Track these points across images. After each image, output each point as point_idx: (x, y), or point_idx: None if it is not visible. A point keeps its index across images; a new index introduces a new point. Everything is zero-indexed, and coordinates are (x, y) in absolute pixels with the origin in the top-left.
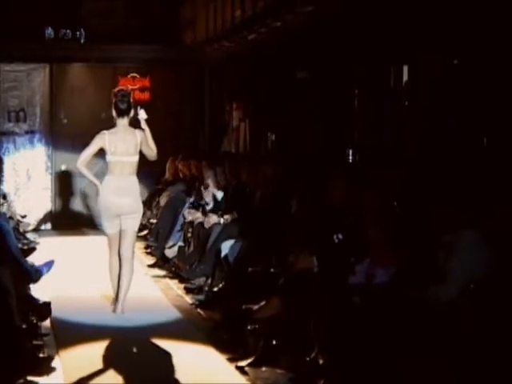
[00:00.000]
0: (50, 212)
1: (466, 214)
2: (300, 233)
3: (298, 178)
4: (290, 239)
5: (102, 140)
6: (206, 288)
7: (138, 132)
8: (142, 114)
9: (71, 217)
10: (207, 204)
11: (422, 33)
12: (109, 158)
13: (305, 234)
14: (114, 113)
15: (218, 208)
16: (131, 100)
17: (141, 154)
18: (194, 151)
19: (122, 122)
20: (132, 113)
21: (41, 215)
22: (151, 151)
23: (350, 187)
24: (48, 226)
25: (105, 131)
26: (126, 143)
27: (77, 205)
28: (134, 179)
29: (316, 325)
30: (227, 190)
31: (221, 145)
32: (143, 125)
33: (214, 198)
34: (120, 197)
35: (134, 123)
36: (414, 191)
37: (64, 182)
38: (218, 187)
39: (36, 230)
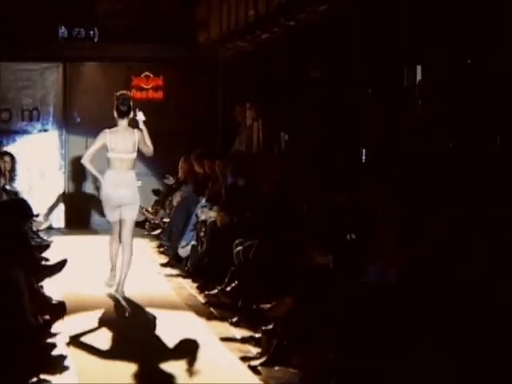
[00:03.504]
0: (63, 211)
1: (462, 212)
2: (312, 232)
3: (310, 178)
4: (303, 238)
5: (104, 138)
6: (219, 287)
7: (136, 132)
8: (140, 116)
9: (84, 215)
10: None
11: (435, 32)
12: (109, 154)
13: (318, 233)
14: (115, 114)
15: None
16: (131, 103)
17: None
18: (208, 150)
19: (122, 123)
20: (131, 114)
21: (54, 214)
22: (148, 148)
23: (359, 187)
24: (61, 224)
25: (106, 130)
26: (125, 142)
27: (90, 203)
28: (133, 173)
29: (328, 322)
30: (237, 189)
31: (233, 144)
32: (141, 125)
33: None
34: (120, 189)
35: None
36: (428, 191)
37: (77, 181)
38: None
39: (49, 228)
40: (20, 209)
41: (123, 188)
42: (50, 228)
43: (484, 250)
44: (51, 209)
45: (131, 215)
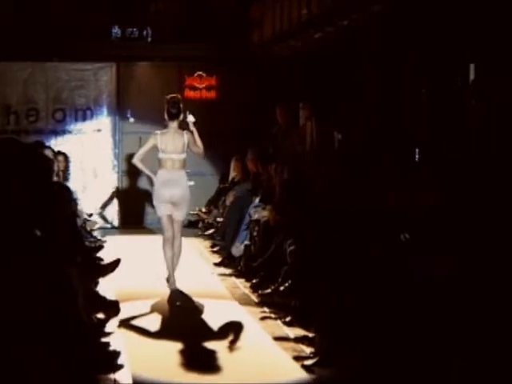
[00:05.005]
0: (117, 210)
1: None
2: (365, 231)
3: (363, 177)
4: (356, 237)
5: (154, 139)
6: (273, 286)
7: (185, 133)
8: (190, 118)
9: (138, 215)
10: None
11: (488, 31)
12: (160, 155)
13: (371, 233)
14: (165, 116)
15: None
16: (181, 106)
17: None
18: (261, 150)
19: (173, 125)
20: (181, 116)
21: (107, 214)
22: (198, 149)
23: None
24: (115, 223)
25: (157, 131)
26: (174, 143)
27: (143, 202)
28: (183, 173)
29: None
30: (291, 189)
31: (284, 144)
32: (191, 127)
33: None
34: (171, 188)
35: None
36: (479, 190)
37: (131, 180)
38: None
39: (102, 228)
40: (61, 192)
41: (175, 187)
42: (103, 227)
43: None
44: (105, 208)
45: (182, 213)
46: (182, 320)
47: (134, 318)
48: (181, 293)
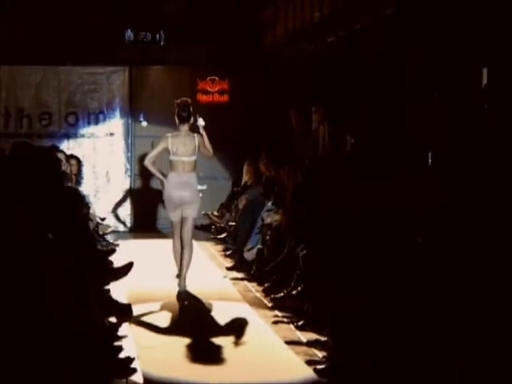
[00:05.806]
0: (129, 214)
1: None
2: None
3: (374, 179)
4: (367, 240)
5: (166, 142)
6: (285, 290)
7: (196, 136)
8: (200, 122)
9: (150, 219)
10: None
11: (501, 35)
12: (171, 157)
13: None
14: (176, 120)
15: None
16: (191, 110)
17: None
18: (274, 154)
19: (183, 128)
20: (192, 120)
21: (120, 217)
22: (208, 152)
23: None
24: (127, 227)
25: (168, 134)
26: (185, 146)
27: (156, 206)
28: (193, 175)
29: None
30: (303, 193)
31: (297, 148)
32: (201, 130)
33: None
34: (181, 190)
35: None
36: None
37: (143, 184)
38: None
39: (115, 232)
40: (74, 196)
41: (184, 189)
42: (116, 231)
43: None
44: (117, 212)
45: (192, 213)
46: (193, 321)
47: (145, 318)
48: (190, 294)
